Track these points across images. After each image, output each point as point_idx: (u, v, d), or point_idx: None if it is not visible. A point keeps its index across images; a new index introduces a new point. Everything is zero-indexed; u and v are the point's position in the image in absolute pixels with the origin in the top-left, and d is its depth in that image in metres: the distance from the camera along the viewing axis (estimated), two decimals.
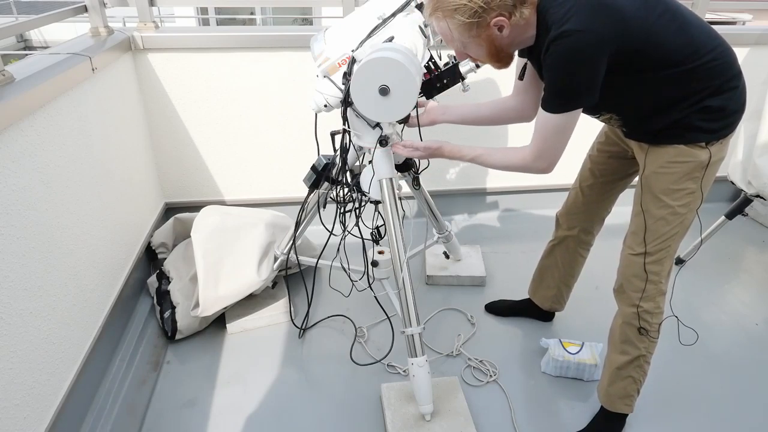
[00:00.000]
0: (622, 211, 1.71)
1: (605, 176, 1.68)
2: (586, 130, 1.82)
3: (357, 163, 1.78)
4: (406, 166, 1.90)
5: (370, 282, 1.80)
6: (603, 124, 1.66)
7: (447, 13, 1.25)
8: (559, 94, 1.27)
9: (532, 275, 2.04)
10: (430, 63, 1.68)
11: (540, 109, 1.33)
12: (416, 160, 1.92)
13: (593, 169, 1.70)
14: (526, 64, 1.48)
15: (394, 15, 1.51)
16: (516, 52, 1.39)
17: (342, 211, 1.71)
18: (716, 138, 1.32)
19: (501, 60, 1.35)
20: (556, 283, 1.96)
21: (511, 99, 1.63)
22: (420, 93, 1.66)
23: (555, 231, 1.89)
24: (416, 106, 1.43)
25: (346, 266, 1.88)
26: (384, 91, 1.35)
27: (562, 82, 1.24)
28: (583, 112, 1.42)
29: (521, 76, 1.53)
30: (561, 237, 1.86)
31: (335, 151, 1.69)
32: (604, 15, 1.17)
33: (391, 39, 1.45)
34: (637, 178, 1.49)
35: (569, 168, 1.90)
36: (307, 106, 1.63)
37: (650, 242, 1.43)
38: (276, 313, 2.12)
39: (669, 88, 1.28)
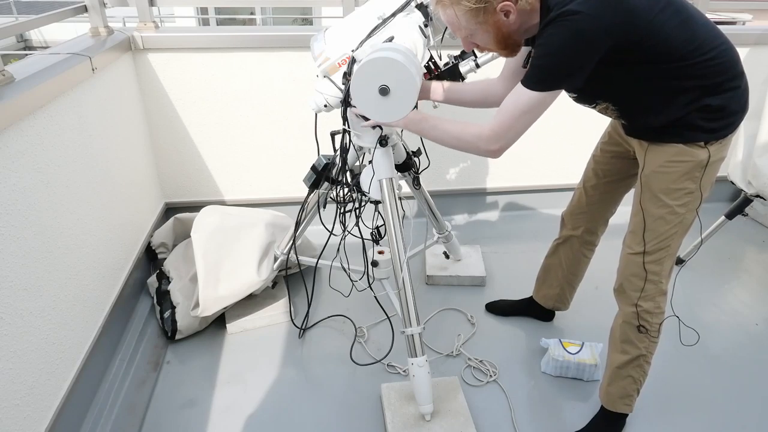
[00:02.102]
0: (624, 211, 1.71)
1: (608, 177, 1.67)
2: (591, 131, 1.83)
3: (357, 163, 1.78)
4: (406, 166, 1.90)
5: (370, 282, 1.80)
6: (607, 124, 1.66)
7: None
8: (547, 71, 1.23)
9: (537, 274, 2.04)
10: (430, 63, 1.69)
11: (517, 86, 1.28)
12: (416, 160, 1.92)
13: (596, 169, 1.70)
14: (530, 52, 1.48)
15: (394, 15, 1.51)
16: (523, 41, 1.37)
17: (342, 211, 1.71)
18: (716, 138, 1.32)
19: (508, 47, 1.32)
20: (559, 282, 1.96)
21: (498, 83, 1.59)
22: None
23: (560, 230, 1.89)
24: (416, 106, 1.43)
25: (346, 266, 1.88)
26: (384, 91, 1.35)
27: (554, 60, 1.21)
28: (578, 101, 1.42)
29: (525, 64, 1.52)
30: (565, 236, 1.86)
31: (335, 151, 1.69)
32: (610, 1, 1.16)
33: (391, 39, 1.45)
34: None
35: (571, 168, 1.91)
36: (307, 106, 1.63)
37: (649, 241, 1.43)
38: (276, 313, 2.12)
39: (669, 82, 1.27)
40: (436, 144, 1.50)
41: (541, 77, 1.24)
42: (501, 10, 1.23)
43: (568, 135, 2.70)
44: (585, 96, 1.39)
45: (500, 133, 1.32)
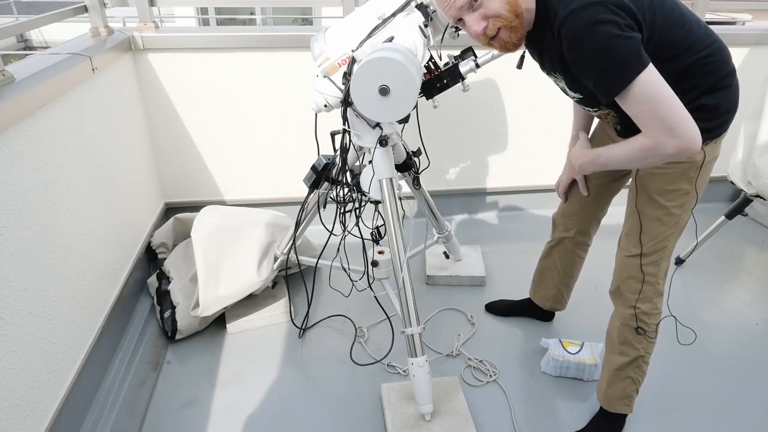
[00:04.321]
0: (621, 211, 1.71)
1: (599, 178, 1.67)
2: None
3: (357, 163, 1.78)
4: (406, 166, 1.90)
5: (370, 282, 1.80)
6: (594, 125, 1.67)
7: None
8: (607, 73, 1.15)
9: (533, 276, 2.04)
10: (430, 63, 1.68)
11: (617, 101, 1.20)
12: (416, 160, 1.92)
13: None
14: (523, 53, 1.45)
15: (394, 15, 1.51)
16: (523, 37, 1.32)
17: (342, 211, 1.71)
18: (710, 138, 1.32)
19: (520, 15, 1.24)
20: (555, 283, 1.96)
21: None
22: (420, 93, 1.67)
23: (552, 232, 1.89)
24: (416, 106, 1.43)
25: (346, 266, 1.88)
26: (384, 91, 1.34)
27: (601, 61, 1.14)
28: (581, 103, 1.41)
29: (519, 65, 1.51)
30: (558, 238, 1.86)
31: (335, 151, 1.69)
32: None
33: (391, 39, 1.45)
34: (630, 179, 1.48)
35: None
36: (307, 106, 1.63)
37: (646, 243, 1.42)
38: (276, 313, 2.12)
39: (669, 83, 1.27)
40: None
41: (618, 74, 1.15)
42: None
43: (568, 135, 2.70)
44: (589, 100, 1.38)
45: (663, 129, 1.17)
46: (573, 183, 1.74)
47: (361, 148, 1.71)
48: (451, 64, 1.70)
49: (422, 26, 1.53)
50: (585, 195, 1.69)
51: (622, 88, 1.16)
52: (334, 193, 1.71)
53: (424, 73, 1.68)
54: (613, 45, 1.13)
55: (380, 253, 1.85)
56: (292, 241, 1.99)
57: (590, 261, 1.90)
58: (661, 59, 1.23)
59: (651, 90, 1.15)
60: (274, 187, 2.65)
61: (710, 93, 1.28)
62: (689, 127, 1.16)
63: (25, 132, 1.43)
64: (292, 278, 2.29)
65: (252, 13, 8.52)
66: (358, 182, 1.68)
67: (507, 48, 1.31)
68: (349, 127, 1.57)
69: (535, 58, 1.42)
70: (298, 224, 1.95)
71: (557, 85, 1.43)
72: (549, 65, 1.37)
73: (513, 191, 2.90)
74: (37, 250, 1.46)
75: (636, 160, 1.27)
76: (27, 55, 3.94)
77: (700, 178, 1.35)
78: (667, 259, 1.45)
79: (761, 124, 2.21)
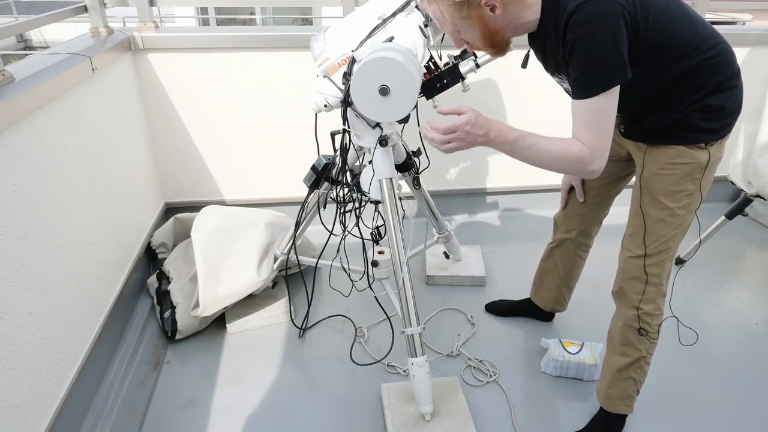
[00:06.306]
0: (622, 211, 1.71)
1: (601, 179, 1.65)
2: None
3: (357, 163, 1.78)
4: (406, 166, 1.90)
5: (370, 282, 1.80)
6: None
7: None
8: (594, 71, 1.17)
9: (533, 277, 2.04)
10: (430, 63, 1.68)
11: (574, 102, 1.23)
12: (416, 160, 1.91)
13: None
14: (528, 52, 1.44)
15: (394, 15, 1.51)
16: (512, 39, 1.33)
17: (342, 211, 1.71)
18: (715, 138, 1.32)
19: (496, 45, 1.29)
20: (556, 284, 1.96)
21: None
22: (420, 93, 1.67)
23: (553, 233, 1.88)
24: (416, 106, 1.43)
25: (346, 266, 1.88)
26: (384, 91, 1.34)
27: (593, 56, 1.16)
28: None
29: (524, 65, 1.51)
30: (559, 239, 1.86)
31: (335, 151, 1.69)
32: None
33: (391, 39, 1.45)
34: (634, 179, 1.48)
35: None
36: (307, 106, 1.63)
37: (650, 244, 1.42)
38: (276, 313, 2.12)
39: (672, 83, 1.27)
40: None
41: (594, 80, 1.18)
42: (486, 4, 1.20)
43: (568, 135, 2.70)
44: None
45: (597, 148, 1.23)
46: (572, 188, 1.74)
47: (361, 148, 1.71)
48: (451, 64, 1.69)
49: (422, 26, 1.53)
50: (581, 201, 1.70)
51: (592, 93, 1.19)
52: (334, 193, 1.71)
53: (424, 73, 1.68)
54: (604, 49, 1.15)
55: (380, 253, 1.85)
56: (292, 241, 1.99)
57: (590, 261, 1.90)
58: (669, 59, 1.23)
59: (607, 107, 1.20)
60: (274, 187, 2.65)
61: (716, 93, 1.27)
62: (607, 152, 1.24)
63: (25, 132, 1.43)
64: (292, 278, 2.29)
65: (252, 13, 8.52)
66: (358, 182, 1.68)
67: (498, 55, 1.35)
68: (349, 127, 1.57)
69: (539, 58, 1.42)
70: (298, 224, 1.95)
71: (561, 85, 1.43)
72: (553, 66, 1.37)
73: (513, 191, 2.90)
74: (38, 250, 1.46)
75: (556, 162, 1.29)
76: (27, 55, 3.94)
77: (704, 179, 1.35)
78: (670, 260, 1.45)
79: (761, 124, 2.21)
